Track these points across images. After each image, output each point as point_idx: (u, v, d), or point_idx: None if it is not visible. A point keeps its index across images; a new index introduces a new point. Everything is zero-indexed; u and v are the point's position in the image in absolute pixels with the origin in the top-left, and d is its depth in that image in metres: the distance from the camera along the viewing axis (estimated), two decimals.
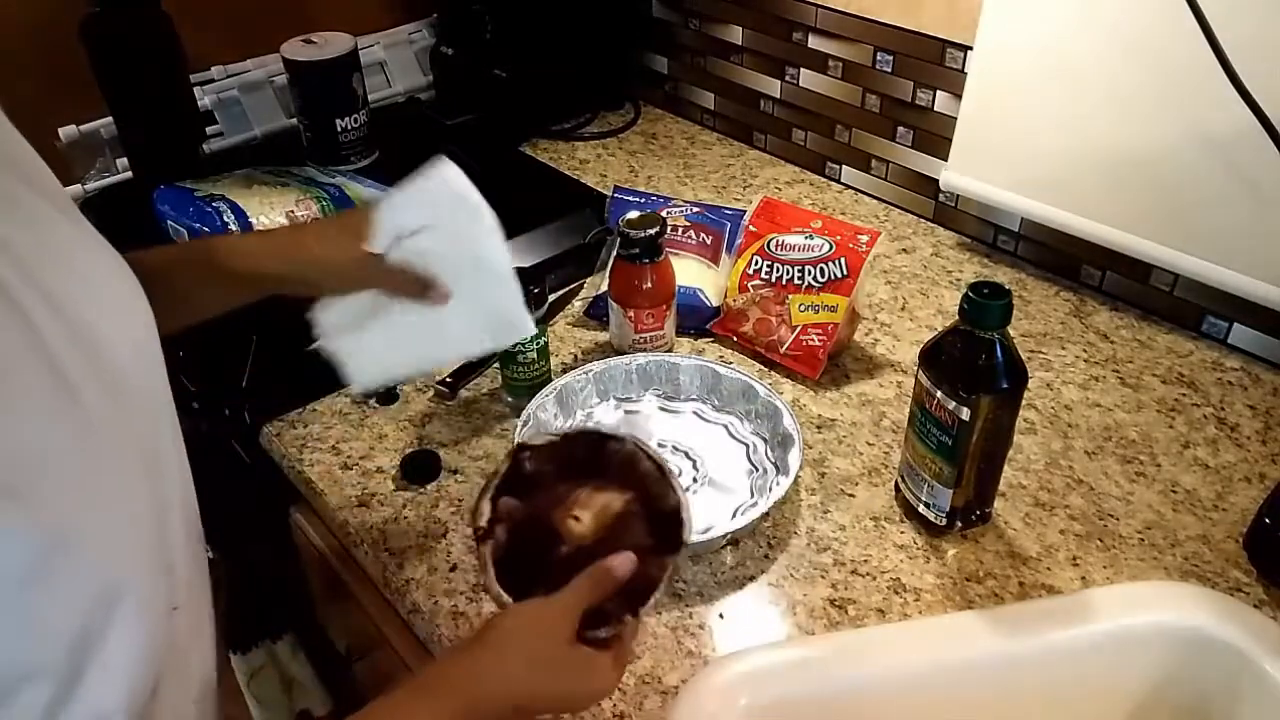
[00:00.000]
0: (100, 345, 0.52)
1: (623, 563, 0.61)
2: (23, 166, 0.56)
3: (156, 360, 0.60)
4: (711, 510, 0.85)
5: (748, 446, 0.91)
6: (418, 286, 0.74)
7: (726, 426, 0.94)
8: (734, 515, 0.84)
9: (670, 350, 1.03)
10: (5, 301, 0.46)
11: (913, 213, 1.30)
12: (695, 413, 0.96)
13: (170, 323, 0.64)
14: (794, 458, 0.85)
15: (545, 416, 0.91)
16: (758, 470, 0.89)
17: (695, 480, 0.89)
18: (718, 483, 0.88)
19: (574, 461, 0.67)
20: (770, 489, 0.85)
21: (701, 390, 0.97)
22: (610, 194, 1.18)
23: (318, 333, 0.77)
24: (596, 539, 0.63)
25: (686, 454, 0.91)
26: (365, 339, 0.77)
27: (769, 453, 0.90)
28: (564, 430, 0.72)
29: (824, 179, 1.39)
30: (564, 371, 0.98)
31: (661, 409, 0.96)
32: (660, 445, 0.91)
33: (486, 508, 0.65)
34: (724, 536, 0.80)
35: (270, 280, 0.75)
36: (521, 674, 0.59)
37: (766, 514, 0.82)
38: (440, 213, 0.74)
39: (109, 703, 0.48)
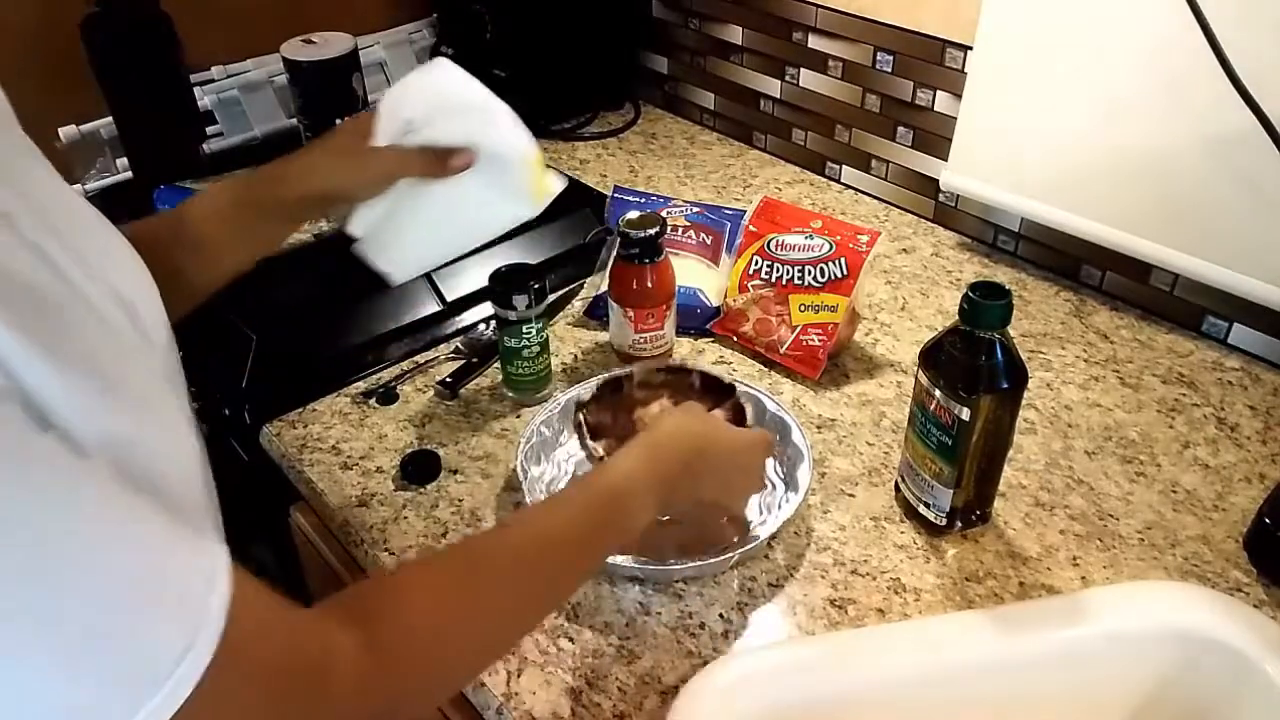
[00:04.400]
0: (129, 303, 0.53)
1: None
2: (17, 137, 0.57)
3: (167, 326, 0.61)
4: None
5: None
6: (439, 162, 0.76)
7: None
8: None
9: (669, 351, 1.03)
10: (48, 264, 0.46)
11: (913, 213, 1.30)
12: None
13: (208, 280, 0.74)
14: (803, 474, 0.84)
15: (547, 433, 0.92)
16: (766, 487, 0.88)
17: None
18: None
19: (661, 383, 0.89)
20: (779, 506, 0.84)
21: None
22: (610, 194, 1.18)
23: (355, 240, 0.79)
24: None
25: None
26: (396, 237, 0.78)
27: (778, 469, 0.89)
28: (665, 365, 0.92)
29: (824, 179, 1.39)
30: (563, 372, 0.98)
31: None
32: None
33: (588, 393, 0.87)
34: (733, 556, 0.79)
35: (311, 205, 0.79)
36: (690, 424, 0.73)
37: (775, 533, 0.82)
38: (444, 104, 0.75)
39: None
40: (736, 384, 0.88)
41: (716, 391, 0.89)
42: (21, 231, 0.45)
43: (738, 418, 0.86)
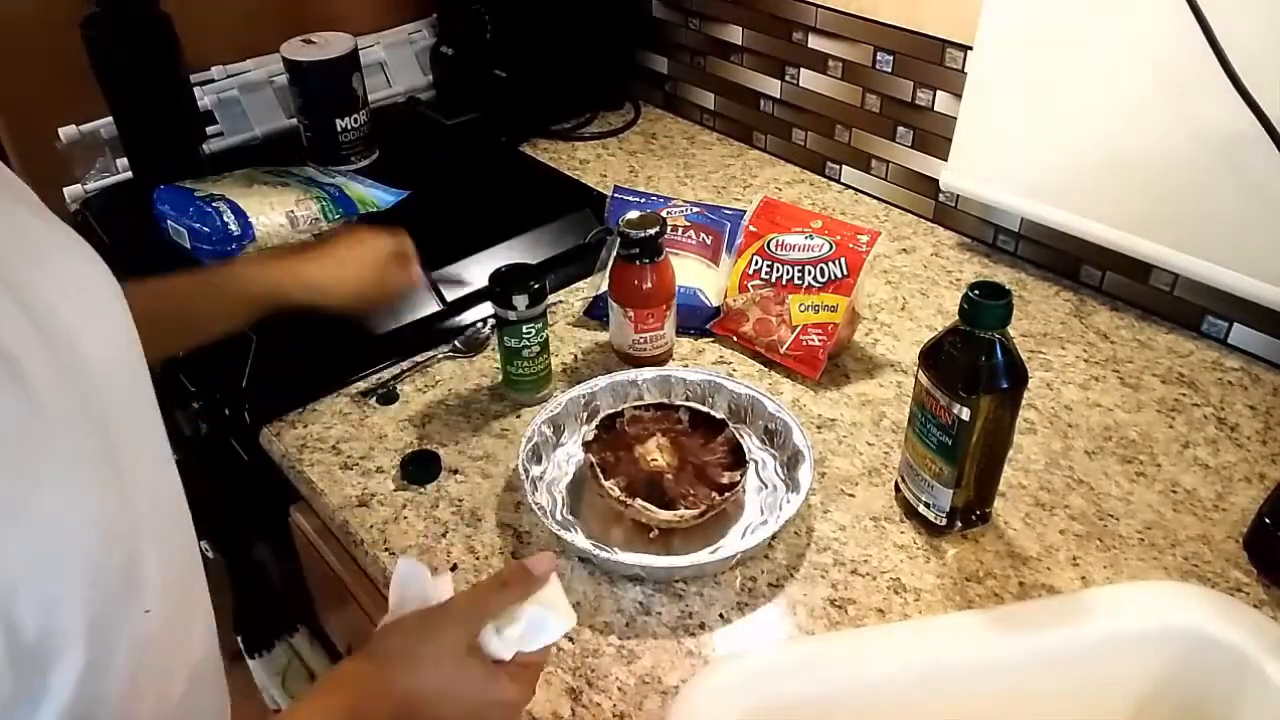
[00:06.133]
0: (61, 334, 0.51)
1: (539, 562, 0.63)
2: None
3: (130, 354, 0.58)
4: (721, 529, 0.84)
5: (757, 463, 0.90)
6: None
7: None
8: (743, 535, 0.83)
9: (669, 351, 1.03)
10: None
11: (913, 213, 1.30)
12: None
13: (179, 343, 0.67)
14: (805, 475, 0.84)
15: (548, 432, 0.91)
16: (767, 487, 0.88)
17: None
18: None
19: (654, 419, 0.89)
20: (780, 506, 0.84)
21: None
22: (610, 194, 1.18)
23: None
24: (670, 466, 0.85)
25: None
26: None
27: (779, 469, 0.89)
28: (650, 402, 0.92)
29: (824, 179, 1.39)
30: (563, 372, 0.97)
31: None
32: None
33: (590, 433, 0.87)
34: (734, 557, 0.79)
35: (283, 299, 0.88)
36: (411, 675, 0.59)
37: (775, 533, 0.82)
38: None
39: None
40: (728, 421, 0.87)
41: (707, 427, 0.88)
42: None
43: (734, 452, 0.85)
